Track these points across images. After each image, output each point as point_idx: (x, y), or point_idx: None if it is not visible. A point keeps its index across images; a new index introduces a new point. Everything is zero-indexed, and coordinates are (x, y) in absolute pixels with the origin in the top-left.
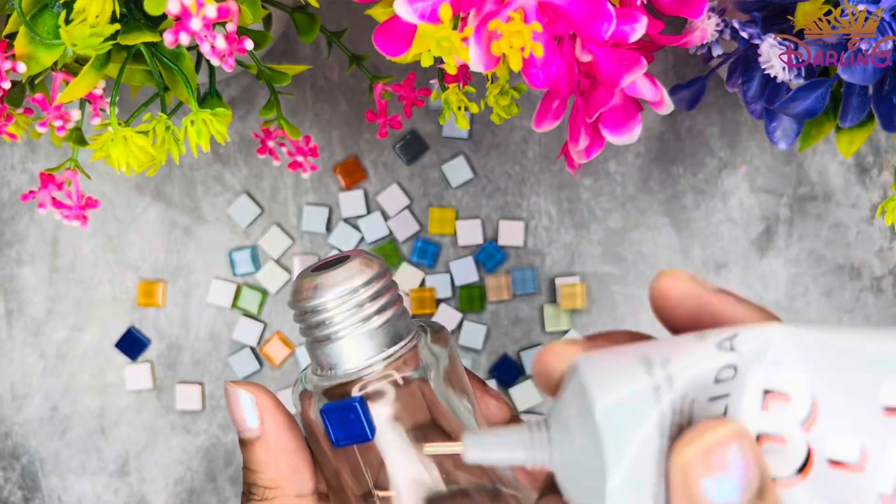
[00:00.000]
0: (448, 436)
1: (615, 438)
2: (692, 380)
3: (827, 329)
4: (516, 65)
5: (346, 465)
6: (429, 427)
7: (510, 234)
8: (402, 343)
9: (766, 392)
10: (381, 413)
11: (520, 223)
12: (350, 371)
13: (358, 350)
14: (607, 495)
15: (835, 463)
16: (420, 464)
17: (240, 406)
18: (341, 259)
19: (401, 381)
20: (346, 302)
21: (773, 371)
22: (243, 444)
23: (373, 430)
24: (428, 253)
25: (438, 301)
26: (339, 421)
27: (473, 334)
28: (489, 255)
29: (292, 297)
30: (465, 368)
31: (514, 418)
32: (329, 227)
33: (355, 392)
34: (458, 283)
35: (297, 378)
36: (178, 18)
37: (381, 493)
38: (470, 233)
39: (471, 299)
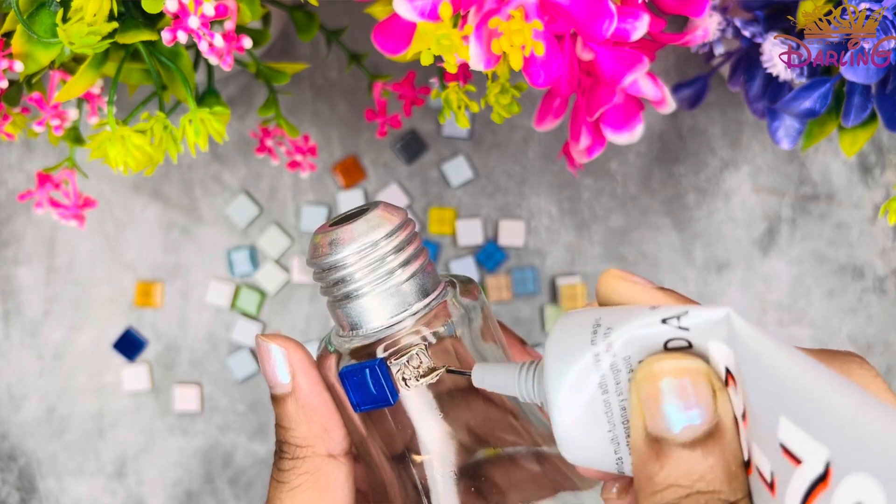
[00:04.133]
0: (487, 397)
1: (559, 398)
2: (636, 345)
3: (767, 341)
4: (517, 63)
5: (375, 428)
6: (466, 389)
7: (511, 233)
8: (429, 298)
9: (728, 371)
10: (419, 385)
11: (520, 223)
12: (375, 330)
13: (382, 307)
14: (560, 446)
15: (758, 472)
16: (452, 428)
17: (271, 361)
18: (361, 211)
19: (431, 339)
20: (366, 256)
21: (727, 352)
22: (275, 399)
23: (395, 394)
24: (430, 253)
25: None
26: (358, 384)
27: None
28: (489, 255)
29: (309, 253)
30: (501, 324)
31: None
32: None
33: (380, 352)
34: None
35: (321, 339)
36: (175, 17)
37: (416, 458)
38: (470, 233)
39: None
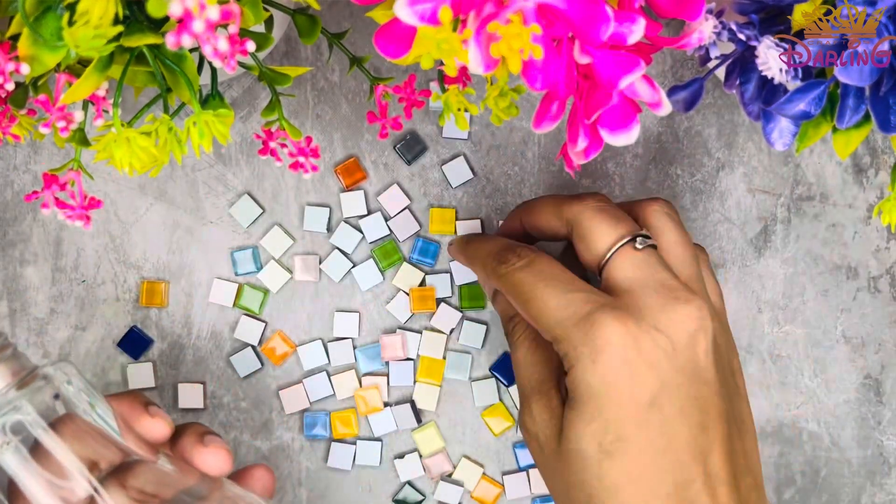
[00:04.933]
0: (135, 462)
1: None
2: None
3: None
4: (515, 67)
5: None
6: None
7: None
8: (14, 378)
9: None
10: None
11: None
12: None
13: None
14: None
15: None
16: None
17: None
18: None
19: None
20: None
21: None
22: None
23: None
24: (429, 252)
25: (439, 301)
26: None
27: (473, 334)
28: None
29: None
30: (123, 393)
31: (183, 428)
32: (330, 227)
33: None
34: (458, 282)
35: None
36: (180, 21)
37: None
38: (470, 233)
39: (472, 297)
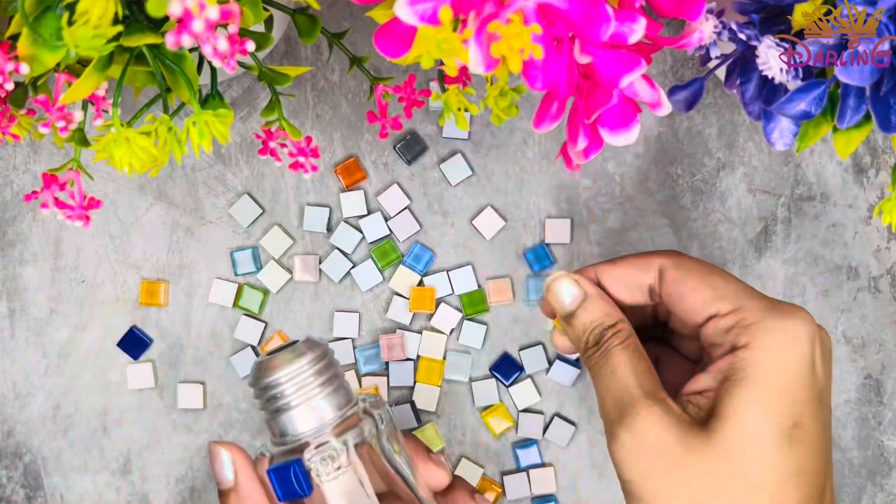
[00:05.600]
0: (401, 499)
1: None
2: None
3: None
4: (516, 66)
5: None
6: (385, 493)
7: (559, 232)
8: (342, 411)
9: None
10: (333, 485)
11: (566, 220)
12: (297, 436)
13: (304, 418)
14: None
15: None
16: None
17: (220, 462)
18: (291, 344)
19: (341, 444)
20: (293, 378)
21: None
22: (220, 494)
23: (310, 488)
24: (422, 260)
25: (438, 301)
26: (280, 480)
27: (473, 334)
28: (538, 257)
29: (251, 378)
30: (406, 433)
31: (454, 482)
32: (330, 227)
33: (305, 454)
34: (458, 291)
35: (256, 450)
36: (180, 20)
37: None
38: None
39: (473, 302)
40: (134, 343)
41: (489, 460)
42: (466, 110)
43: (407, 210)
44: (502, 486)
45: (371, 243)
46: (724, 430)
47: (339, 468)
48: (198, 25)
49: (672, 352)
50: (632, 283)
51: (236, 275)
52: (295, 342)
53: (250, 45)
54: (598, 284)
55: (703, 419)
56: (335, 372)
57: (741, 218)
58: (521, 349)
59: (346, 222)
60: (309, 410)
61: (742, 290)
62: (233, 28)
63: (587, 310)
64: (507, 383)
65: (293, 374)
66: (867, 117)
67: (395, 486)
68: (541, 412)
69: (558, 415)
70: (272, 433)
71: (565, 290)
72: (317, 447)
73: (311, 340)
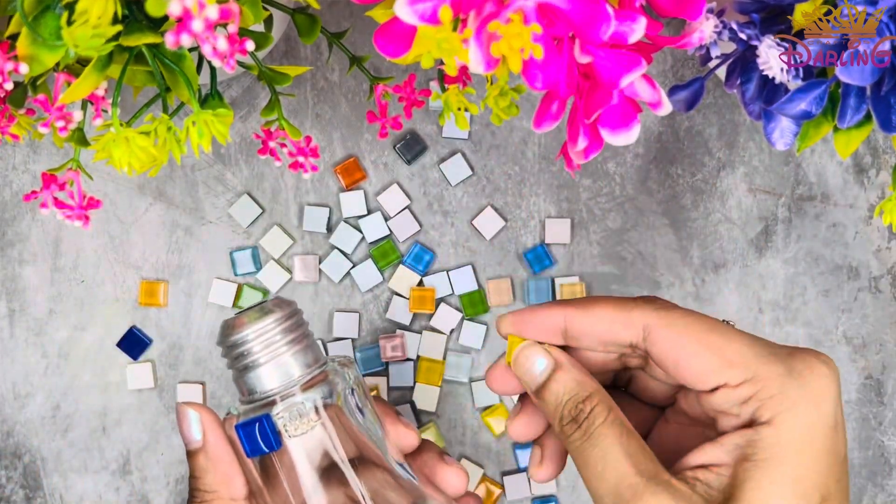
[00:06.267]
0: (372, 463)
1: None
2: None
3: None
4: (516, 66)
5: (274, 488)
6: (353, 461)
7: (559, 232)
8: (310, 368)
9: None
10: (301, 441)
11: (566, 220)
12: (265, 393)
13: (272, 376)
14: None
15: None
16: (337, 492)
17: (187, 422)
18: (259, 304)
19: (311, 402)
20: (260, 335)
21: None
22: (189, 455)
23: (278, 443)
24: (423, 261)
25: (438, 301)
26: (248, 435)
27: (473, 334)
28: (538, 257)
29: (219, 336)
30: (376, 397)
31: (423, 444)
32: (329, 227)
33: (273, 410)
34: (457, 291)
35: (226, 411)
36: (179, 20)
37: None
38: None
39: (472, 303)
40: (133, 343)
41: (489, 460)
42: (466, 110)
43: (407, 210)
44: (502, 486)
45: (371, 243)
46: None
47: (307, 424)
48: (197, 25)
49: (627, 397)
50: (608, 339)
51: (236, 275)
52: (263, 301)
53: (250, 45)
54: (566, 335)
55: (717, 500)
56: (304, 331)
57: (741, 218)
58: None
59: (345, 222)
60: (276, 368)
61: (750, 350)
62: (232, 27)
63: (558, 380)
64: None
65: (260, 332)
66: (868, 117)
67: (365, 448)
68: None
69: None
70: (240, 391)
71: (534, 360)
72: (283, 403)
73: (280, 299)
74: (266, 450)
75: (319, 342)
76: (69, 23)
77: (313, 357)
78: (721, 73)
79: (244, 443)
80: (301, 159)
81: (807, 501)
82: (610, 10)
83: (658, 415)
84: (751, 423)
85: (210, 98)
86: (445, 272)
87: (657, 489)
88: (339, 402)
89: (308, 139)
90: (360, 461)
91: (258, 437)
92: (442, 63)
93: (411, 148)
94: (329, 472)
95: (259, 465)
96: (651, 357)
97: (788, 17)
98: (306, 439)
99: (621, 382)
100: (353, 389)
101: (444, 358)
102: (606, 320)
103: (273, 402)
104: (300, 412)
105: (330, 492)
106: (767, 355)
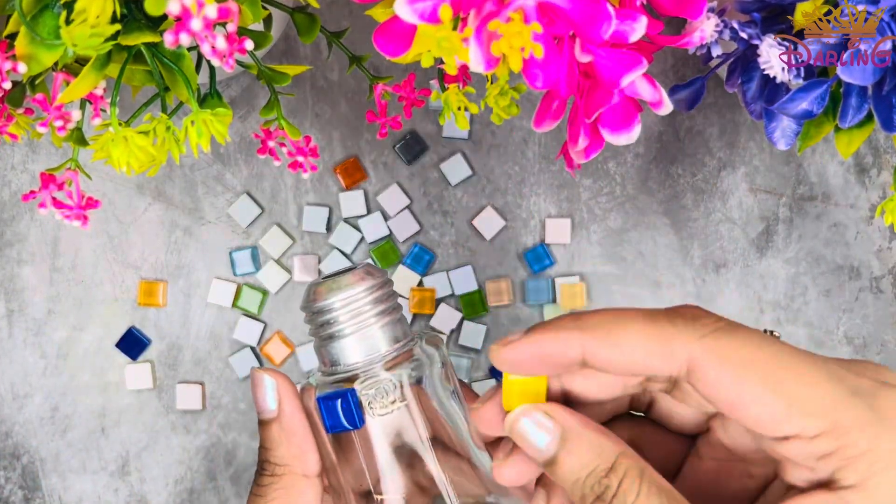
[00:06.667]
0: (447, 448)
1: None
2: None
3: None
4: (516, 65)
5: (346, 460)
6: (431, 439)
7: (559, 232)
8: (399, 344)
9: None
10: (382, 420)
11: (566, 220)
12: (350, 366)
13: (358, 348)
14: None
15: None
16: (411, 474)
17: (263, 389)
18: (350, 269)
19: (397, 379)
20: (349, 304)
21: None
22: (261, 424)
23: (361, 420)
24: (422, 261)
25: (438, 301)
26: (331, 409)
27: (473, 334)
28: (538, 257)
29: (303, 300)
30: (459, 380)
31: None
32: (329, 227)
33: (357, 385)
34: (457, 291)
35: (304, 380)
36: (178, 19)
37: (379, 497)
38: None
39: (470, 303)
40: (132, 343)
41: None
42: (466, 109)
43: (407, 210)
44: None
45: (371, 243)
46: None
47: (393, 402)
48: (196, 24)
49: (648, 424)
50: (639, 371)
51: (235, 275)
52: (353, 267)
53: (249, 44)
54: (584, 363)
55: None
56: (394, 303)
57: (742, 218)
58: None
59: (345, 222)
60: (362, 340)
61: (828, 391)
62: (231, 26)
63: (572, 452)
64: None
65: (349, 300)
66: (869, 117)
67: (445, 433)
68: None
69: None
70: (322, 361)
71: (535, 429)
72: (369, 380)
73: (371, 266)
74: (348, 427)
75: None
76: (68, 22)
77: (402, 331)
78: (722, 72)
79: (325, 417)
80: (300, 159)
81: None
82: (610, 9)
83: (688, 445)
84: (830, 484)
85: (209, 97)
86: (445, 272)
87: None
88: (425, 383)
89: (307, 139)
90: (439, 445)
91: (341, 412)
92: (442, 62)
93: (411, 148)
94: (403, 453)
95: (334, 442)
96: (699, 392)
97: (789, 17)
98: (389, 418)
99: (639, 406)
100: (440, 370)
101: None
102: (640, 353)
103: (356, 377)
104: (385, 390)
105: (405, 474)
106: (848, 395)
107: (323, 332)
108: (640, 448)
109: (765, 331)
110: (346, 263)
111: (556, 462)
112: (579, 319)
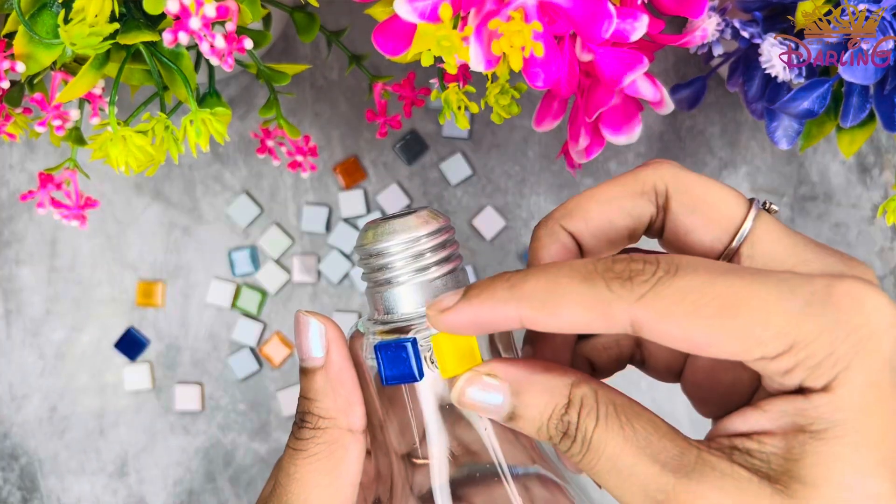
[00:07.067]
0: None
1: None
2: None
3: None
4: (517, 64)
5: (393, 417)
6: None
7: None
8: None
9: None
10: (430, 376)
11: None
12: (407, 315)
13: (416, 296)
14: None
15: None
16: (458, 434)
17: (308, 334)
18: (411, 211)
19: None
20: (408, 248)
21: None
22: (304, 372)
23: (421, 373)
24: None
25: None
26: (391, 358)
27: None
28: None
29: (358, 240)
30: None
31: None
32: (329, 227)
33: (410, 335)
34: None
35: (351, 327)
36: (177, 18)
37: (418, 461)
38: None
39: None
40: (131, 344)
41: None
42: (466, 108)
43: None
44: None
45: None
46: (819, 498)
47: None
48: (195, 23)
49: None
50: (585, 332)
51: (234, 275)
52: (414, 209)
53: (248, 43)
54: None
55: (769, 476)
56: (456, 251)
57: None
58: (521, 348)
59: (345, 222)
60: (421, 289)
61: (780, 309)
62: (230, 25)
63: (527, 402)
64: None
65: (410, 244)
66: (871, 116)
67: None
68: None
69: None
70: (375, 308)
71: (484, 394)
72: (426, 331)
73: (433, 210)
74: (407, 378)
75: None
76: (66, 21)
77: (463, 283)
78: (723, 71)
79: (383, 368)
80: (300, 158)
81: (887, 468)
82: (611, 7)
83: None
84: (801, 391)
85: (208, 97)
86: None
87: (690, 483)
88: (485, 340)
89: (307, 138)
90: None
91: (403, 362)
92: (442, 61)
93: (411, 148)
94: (450, 413)
95: (383, 396)
96: (654, 342)
97: (790, 17)
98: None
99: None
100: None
101: None
102: (579, 320)
103: (410, 328)
104: None
105: (451, 434)
106: (803, 307)
107: (378, 277)
108: (645, 355)
109: (762, 204)
110: (346, 263)
111: (515, 417)
112: (514, 287)
